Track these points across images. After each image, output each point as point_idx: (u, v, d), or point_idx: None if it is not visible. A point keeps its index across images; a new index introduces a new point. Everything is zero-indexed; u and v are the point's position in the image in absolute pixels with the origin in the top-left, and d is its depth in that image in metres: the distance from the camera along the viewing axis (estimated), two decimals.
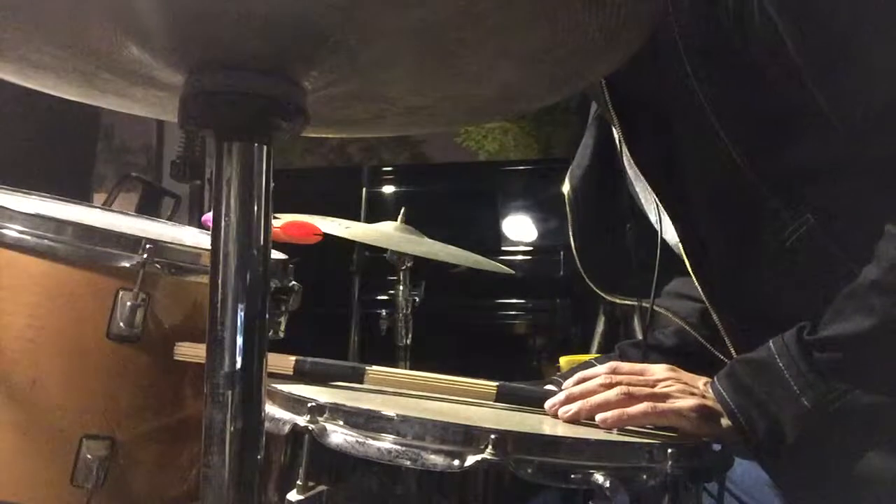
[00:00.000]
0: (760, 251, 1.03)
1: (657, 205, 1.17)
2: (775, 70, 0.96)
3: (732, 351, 1.09)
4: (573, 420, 0.93)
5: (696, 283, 1.09)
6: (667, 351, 1.36)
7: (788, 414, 0.91)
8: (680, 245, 1.09)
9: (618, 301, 1.40)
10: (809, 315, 0.96)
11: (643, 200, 1.24)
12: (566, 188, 1.37)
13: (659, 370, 1.01)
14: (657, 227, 1.21)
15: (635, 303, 1.35)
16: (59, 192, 1.32)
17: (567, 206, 1.37)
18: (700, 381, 1.00)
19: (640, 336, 1.42)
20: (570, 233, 1.37)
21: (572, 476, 0.75)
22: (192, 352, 1.03)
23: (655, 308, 1.29)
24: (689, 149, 1.07)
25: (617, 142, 1.27)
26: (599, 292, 1.38)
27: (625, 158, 1.25)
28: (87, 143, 2.78)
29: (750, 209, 1.03)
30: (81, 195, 2.01)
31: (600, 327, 3.43)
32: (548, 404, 0.97)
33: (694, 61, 1.00)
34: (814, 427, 0.91)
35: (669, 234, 1.17)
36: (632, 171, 1.23)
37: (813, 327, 0.94)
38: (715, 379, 0.98)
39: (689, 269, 1.08)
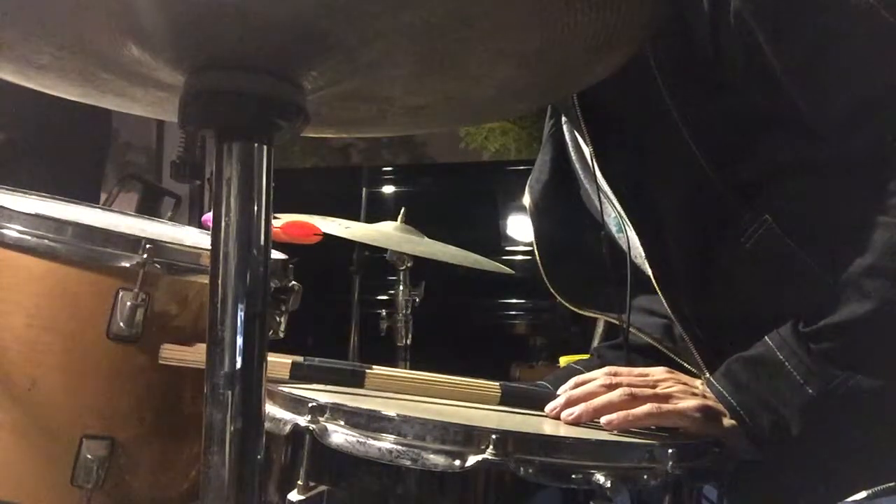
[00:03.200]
0: (724, 257, 1.05)
1: (621, 219, 1.18)
2: (747, 77, 0.97)
3: (699, 361, 1.11)
4: (576, 422, 0.93)
5: (662, 298, 1.10)
6: (645, 350, 1.36)
7: (793, 404, 0.92)
8: (645, 261, 1.10)
9: (589, 315, 1.42)
10: (772, 317, 0.97)
11: (604, 215, 1.25)
12: (527, 201, 1.39)
13: (658, 372, 1.01)
14: (621, 242, 1.22)
15: (606, 318, 1.37)
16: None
17: (530, 219, 1.40)
18: (698, 382, 1.01)
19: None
20: (535, 246, 1.40)
21: (573, 476, 0.75)
22: (177, 355, 1.03)
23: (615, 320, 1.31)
24: (657, 161, 1.08)
25: (577, 159, 1.29)
26: (569, 306, 1.40)
27: (585, 175, 1.28)
28: (99, 153, 2.80)
29: (713, 217, 1.04)
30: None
31: (600, 327, 3.42)
32: (548, 408, 0.97)
33: (665, 74, 1.01)
34: (818, 417, 0.92)
35: (633, 248, 1.18)
36: (591, 186, 1.25)
37: (806, 321, 0.95)
38: (712, 379, 0.99)
39: (655, 284, 1.09)
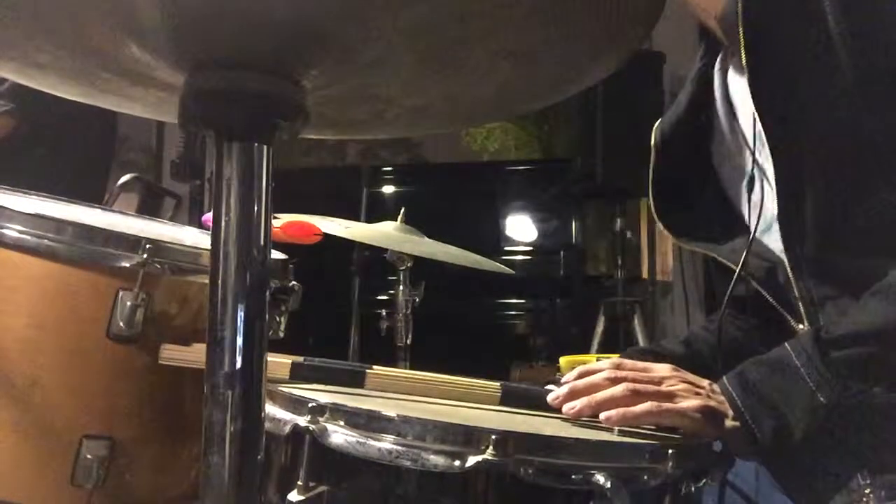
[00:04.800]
0: (869, 207, 1.01)
1: (755, 166, 1.14)
2: None
3: (801, 311, 1.08)
4: (577, 416, 0.93)
5: (780, 235, 1.07)
6: (675, 358, 1.35)
7: (801, 410, 0.92)
8: (776, 198, 1.07)
9: (684, 246, 1.38)
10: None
11: (735, 160, 1.21)
12: (655, 138, 1.35)
13: (663, 368, 1.00)
14: (746, 190, 1.18)
15: (710, 254, 1.33)
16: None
17: (653, 152, 1.35)
18: (705, 382, 1.00)
19: (640, 336, 1.41)
20: (650, 182, 1.35)
21: (573, 476, 0.75)
22: (178, 353, 1.03)
23: (722, 261, 1.26)
24: (813, 98, 1.05)
25: (721, 104, 1.24)
26: (675, 239, 1.35)
27: (726, 122, 1.23)
28: (105, 148, 2.81)
29: (865, 165, 1.01)
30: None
31: (600, 327, 3.43)
32: (551, 397, 0.96)
33: (837, 11, 0.98)
34: (823, 426, 0.91)
35: (757, 200, 1.15)
36: (727, 123, 1.21)
37: (829, 329, 0.94)
38: (724, 377, 0.98)
39: (778, 220, 1.07)
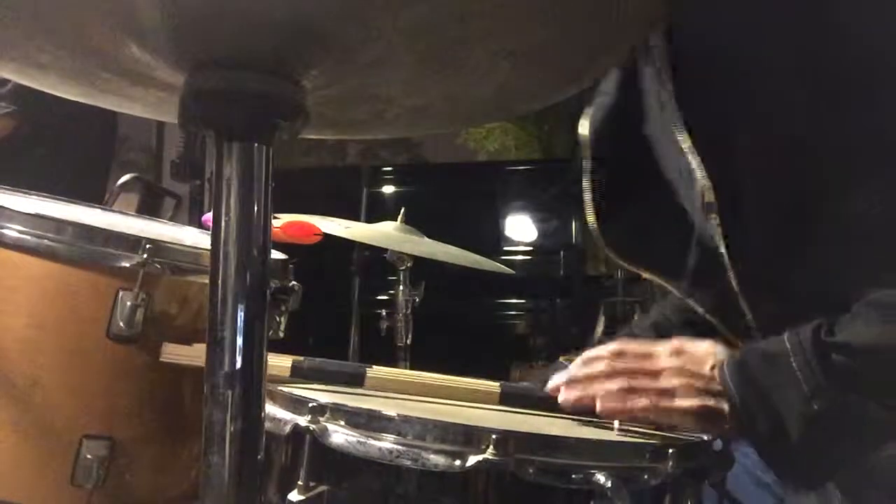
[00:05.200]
0: (822, 225, 0.97)
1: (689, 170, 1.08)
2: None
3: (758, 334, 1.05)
4: (570, 406, 0.92)
5: (727, 262, 1.03)
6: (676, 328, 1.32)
7: (795, 413, 0.89)
8: (714, 218, 1.02)
9: (635, 271, 1.34)
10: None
11: (673, 171, 1.15)
12: (583, 129, 1.25)
13: (664, 355, 0.97)
14: (685, 200, 1.12)
15: (654, 278, 1.29)
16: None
17: (582, 151, 1.26)
18: (707, 365, 0.96)
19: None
20: (587, 186, 1.26)
21: (573, 476, 0.75)
22: (180, 352, 1.03)
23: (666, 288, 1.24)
24: (750, 109, 1.00)
25: (650, 87, 1.14)
26: (616, 259, 1.31)
27: (657, 106, 1.14)
28: (105, 148, 2.81)
29: (810, 184, 0.96)
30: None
31: (600, 327, 3.43)
32: (550, 383, 0.95)
33: (773, 20, 0.94)
34: (819, 430, 0.89)
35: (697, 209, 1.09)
36: (664, 136, 1.13)
37: (830, 328, 0.91)
38: (725, 365, 0.95)
39: (721, 243, 1.02)
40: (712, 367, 0.95)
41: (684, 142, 1.04)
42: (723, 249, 1.03)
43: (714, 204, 1.02)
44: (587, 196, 1.26)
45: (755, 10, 0.96)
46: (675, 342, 1.00)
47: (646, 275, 1.31)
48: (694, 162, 1.03)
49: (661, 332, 1.32)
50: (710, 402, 0.93)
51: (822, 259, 0.97)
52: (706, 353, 0.98)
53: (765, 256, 1.02)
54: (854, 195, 0.94)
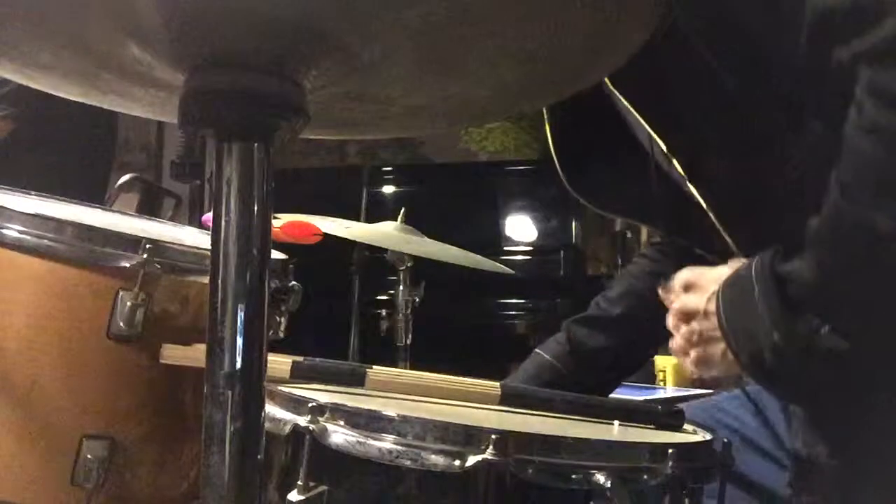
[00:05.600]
0: (772, 184, 0.99)
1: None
2: None
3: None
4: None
5: (699, 194, 1.05)
6: (614, 322, 1.34)
7: (765, 342, 0.90)
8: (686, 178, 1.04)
9: (611, 216, 1.35)
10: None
11: (632, 124, 1.16)
12: None
13: (677, 291, 1.03)
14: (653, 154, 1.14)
15: (631, 221, 1.30)
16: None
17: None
18: (703, 299, 0.99)
19: None
20: (550, 139, 1.26)
21: (573, 476, 0.75)
22: (180, 353, 1.03)
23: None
24: (677, 76, 1.01)
25: None
26: (590, 205, 1.32)
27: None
28: (105, 149, 2.82)
29: (755, 141, 0.99)
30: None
31: None
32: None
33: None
34: (791, 360, 0.89)
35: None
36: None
37: (785, 254, 0.91)
38: (719, 293, 0.97)
39: (697, 195, 1.05)
40: (712, 295, 0.98)
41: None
42: (692, 189, 1.05)
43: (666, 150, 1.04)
44: (551, 143, 1.26)
45: None
46: (686, 274, 1.03)
47: (623, 219, 1.32)
48: (636, 112, 1.05)
49: (630, 301, 1.33)
50: (705, 349, 0.96)
51: (774, 219, 0.99)
52: (713, 279, 1.00)
53: (731, 190, 1.03)
54: (805, 128, 0.95)
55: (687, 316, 1.00)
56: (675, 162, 1.06)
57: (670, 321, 1.04)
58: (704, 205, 1.05)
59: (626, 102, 1.07)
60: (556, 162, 1.27)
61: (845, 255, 0.87)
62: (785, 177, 0.97)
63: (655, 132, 1.05)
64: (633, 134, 1.16)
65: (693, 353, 0.99)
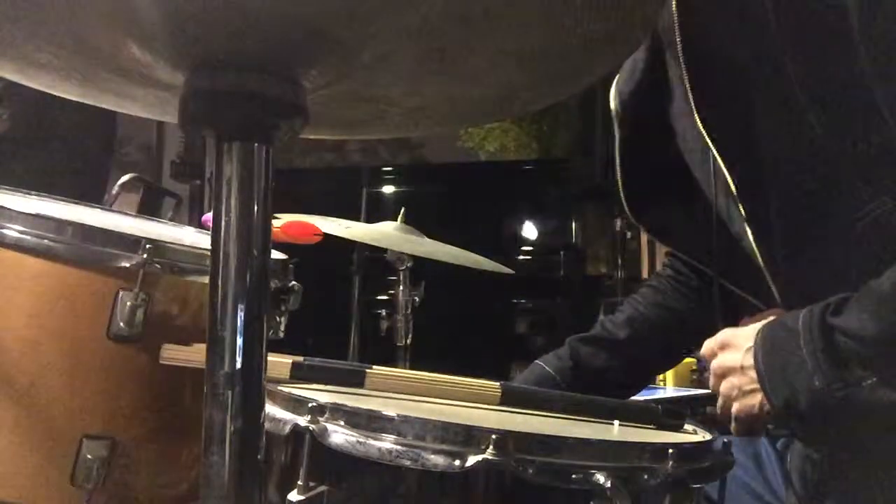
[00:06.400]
0: (830, 230, 1.01)
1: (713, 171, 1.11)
2: (866, 36, 0.91)
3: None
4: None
5: (757, 251, 1.07)
6: (620, 344, 1.36)
7: (804, 388, 0.92)
8: (743, 212, 1.06)
9: (665, 246, 1.37)
10: None
11: (693, 163, 1.18)
12: (614, 104, 1.28)
13: (714, 350, 1.05)
14: (708, 191, 1.16)
15: (686, 256, 1.31)
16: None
17: (616, 124, 1.27)
18: (743, 353, 1.02)
19: None
20: (617, 157, 1.28)
21: (573, 476, 0.75)
22: (180, 353, 1.03)
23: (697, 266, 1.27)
24: (764, 114, 1.02)
25: (675, 72, 1.17)
26: (651, 235, 1.35)
27: (678, 89, 1.16)
28: (104, 160, 2.82)
29: (824, 187, 1.00)
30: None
31: None
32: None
33: (783, 25, 0.96)
34: (829, 408, 0.91)
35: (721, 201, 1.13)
36: (690, 131, 1.16)
37: (837, 307, 0.93)
38: (756, 341, 0.99)
39: (747, 223, 1.06)
40: (747, 351, 1.01)
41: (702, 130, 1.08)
42: (747, 228, 1.06)
43: (734, 187, 1.05)
44: (619, 176, 1.29)
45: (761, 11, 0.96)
46: (722, 334, 1.06)
47: (678, 253, 1.33)
48: (714, 148, 1.06)
49: (636, 326, 1.34)
50: (743, 401, 0.96)
51: (832, 251, 1.01)
52: (747, 337, 1.02)
53: (788, 236, 1.05)
54: (862, 194, 0.97)
55: (726, 372, 1.04)
56: (737, 203, 1.07)
57: (711, 381, 1.07)
58: (756, 249, 1.07)
59: (704, 133, 1.08)
60: (621, 194, 1.30)
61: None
62: (848, 233, 0.99)
63: (727, 166, 1.06)
64: (693, 173, 1.17)
65: (735, 407, 1.02)
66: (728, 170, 1.06)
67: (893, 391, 0.89)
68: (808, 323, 0.94)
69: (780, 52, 0.96)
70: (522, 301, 3.96)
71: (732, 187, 1.07)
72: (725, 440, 0.90)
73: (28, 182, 1.34)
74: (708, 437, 0.93)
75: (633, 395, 1.51)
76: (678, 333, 1.30)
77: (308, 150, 4.91)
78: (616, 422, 0.97)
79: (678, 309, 1.35)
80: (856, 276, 0.98)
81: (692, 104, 1.08)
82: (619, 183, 1.30)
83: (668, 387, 2.49)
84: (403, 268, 1.81)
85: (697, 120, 1.07)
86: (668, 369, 1.26)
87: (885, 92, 0.92)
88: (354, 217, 2.16)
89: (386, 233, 1.70)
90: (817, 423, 0.94)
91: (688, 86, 1.07)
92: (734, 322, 1.11)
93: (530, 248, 4.00)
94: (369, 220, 1.85)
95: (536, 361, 1.42)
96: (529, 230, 4.02)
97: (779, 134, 1.02)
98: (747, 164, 1.05)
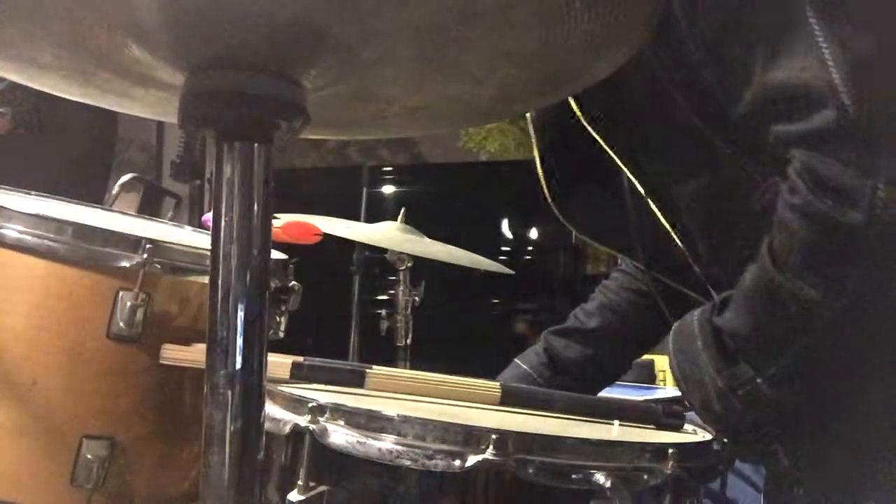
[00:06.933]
0: (736, 213, 1.02)
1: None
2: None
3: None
4: None
5: (682, 246, 1.08)
6: (592, 333, 1.36)
7: (712, 389, 0.93)
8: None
9: (601, 248, 1.38)
10: None
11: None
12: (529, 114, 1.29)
13: None
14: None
15: (620, 256, 1.32)
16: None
17: (532, 132, 1.29)
18: None
19: None
20: (539, 167, 1.30)
21: (573, 476, 0.75)
22: (180, 353, 1.03)
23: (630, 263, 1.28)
24: (655, 128, 1.04)
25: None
26: (582, 236, 1.34)
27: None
28: (104, 160, 2.82)
29: (716, 172, 1.01)
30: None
31: None
32: None
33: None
34: (737, 409, 0.92)
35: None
36: None
37: (721, 306, 0.94)
38: (670, 341, 0.99)
39: (673, 235, 1.07)
40: None
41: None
42: (666, 224, 1.07)
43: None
44: (539, 166, 1.29)
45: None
46: None
47: (606, 249, 1.33)
48: (612, 153, 1.08)
49: (606, 314, 1.34)
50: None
51: (746, 239, 1.00)
52: None
53: (701, 235, 1.06)
54: (755, 177, 0.97)
55: None
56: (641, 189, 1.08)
57: None
58: (681, 244, 1.08)
59: (593, 133, 1.09)
60: (543, 185, 1.29)
61: (773, 315, 0.91)
62: (752, 218, 0.99)
63: (621, 161, 1.08)
64: (614, 165, 1.17)
65: None
66: (630, 172, 1.07)
67: (770, 387, 0.89)
68: (701, 324, 0.95)
69: (652, 61, 0.97)
70: (522, 301, 3.96)
71: (640, 189, 1.08)
72: (725, 440, 0.91)
73: (29, 181, 1.34)
74: (708, 437, 0.93)
75: (615, 380, 1.51)
76: (652, 315, 1.29)
77: (308, 150, 4.91)
78: (616, 422, 0.97)
79: (648, 290, 1.35)
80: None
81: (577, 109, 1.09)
82: (543, 184, 1.30)
83: (668, 387, 2.49)
84: (403, 268, 1.81)
85: (586, 125, 1.09)
86: (646, 352, 1.26)
87: (711, 71, 0.94)
88: (354, 217, 2.16)
89: (386, 233, 1.70)
90: (734, 424, 0.94)
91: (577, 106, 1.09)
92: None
93: (530, 248, 3.99)
94: (369, 220, 1.85)
95: (515, 360, 1.42)
96: (529, 230, 4.02)
97: (659, 125, 1.03)
98: (640, 163, 1.06)
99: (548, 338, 1.40)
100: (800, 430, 0.95)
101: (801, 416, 0.94)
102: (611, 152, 1.09)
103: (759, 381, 0.90)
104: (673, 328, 1.00)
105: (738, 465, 1.12)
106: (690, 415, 1.00)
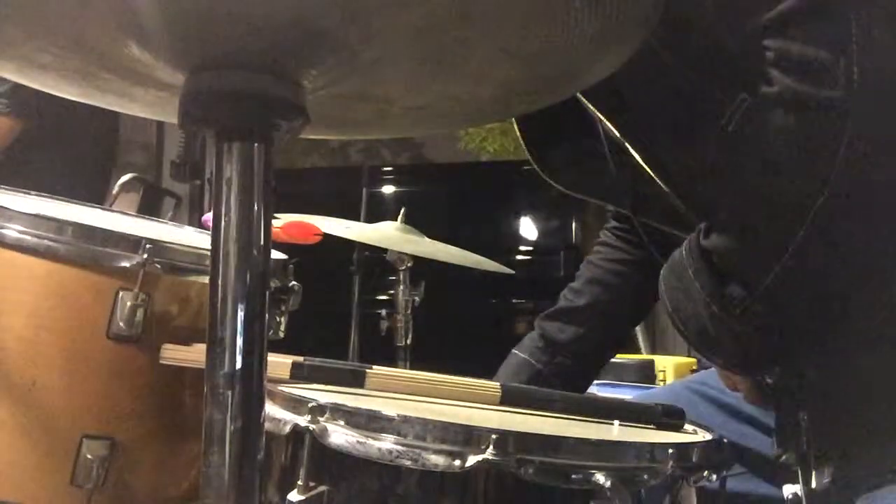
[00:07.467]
0: (708, 141, 0.98)
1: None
2: None
3: None
4: None
5: (660, 182, 1.06)
6: (583, 311, 1.36)
7: (706, 315, 0.92)
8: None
9: (581, 197, 1.36)
10: None
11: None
12: None
13: None
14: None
15: (600, 202, 1.31)
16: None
17: None
18: None
19: (640, 336, 1.40)
20: (515, 124, 1.28)
21: (573, 476, 0.75)
22: (180, 353, 1.03)
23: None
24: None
25: None
26: (561, 188, 1.32)
27: None
28: (105, 160, 2.82)
29: (686, 103, 0.99)
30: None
31: None
32: None
33: None
34: (736, 332, 0.91)
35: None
36: None
37: (707, 229, 0.93)
38: (661, 282, 0.98)
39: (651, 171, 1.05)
40: None
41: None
42: (643, 164, 1.05)
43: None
44: (516, 122, 1.27)
45: None
46: None
47: (592, 200, 1.32)
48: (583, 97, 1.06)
49: (594, 289, 1.34)
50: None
51: (721, 164, 0.98)
52: None
53: (676, 170, 1.04)
54: (723, 100, 0.94)
55: None
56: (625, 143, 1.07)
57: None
58: (659, 181, 1.06)
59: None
60: (521, 140, 1.27)
61: (758, 220, 0.90)
62: (725, 143, 0.96)
63: (603, 114, 1.06)
64: (592, 116, 1.16)
65: (736, 379, 1.06)
66: (602, 114, 1.05)
67: (764, 305, 0.88)
68: (689, 250, 0.94)
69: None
70: (522, 301, 3.96)
71: (615, 132, 1.06)
72: (725, 440, 0.90)
73: (29, 181, 1.34)
74: (708, 437, 0.93)
75: (615, 353, 1.50)
76: (641, 281, 1.28)
77: (308, 150, 4.91)
78: (616, 422, 0.97)
79: (632, 258, 1.34)
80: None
81: None
82: (521, 139, 1.27)
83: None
84: (403, 268, 1.81)
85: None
86: (642, 319, 1.25)
87: None
88: (354, 217, 2.16)
89: (386, 233, 1.70)
90: (731, 348, 0.93)
91: None
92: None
93: (530, 248, 3.99)
94: (369, 220, 1.85)
95: (513, 350, 1.42)
96: (529, 230, 4.02)
97: (636, 71, 1.02)
98: (613, 105, 1.03)
99: (541, 323, 1.41)
100: (801, 350, 0.94)
101: (802, 335, 0.93)
102: (584, 100, 1.07)
103: (751, 300, 0.89)
104: (663, 267, 0.99)
105: (749, 410, 1.12)
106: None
